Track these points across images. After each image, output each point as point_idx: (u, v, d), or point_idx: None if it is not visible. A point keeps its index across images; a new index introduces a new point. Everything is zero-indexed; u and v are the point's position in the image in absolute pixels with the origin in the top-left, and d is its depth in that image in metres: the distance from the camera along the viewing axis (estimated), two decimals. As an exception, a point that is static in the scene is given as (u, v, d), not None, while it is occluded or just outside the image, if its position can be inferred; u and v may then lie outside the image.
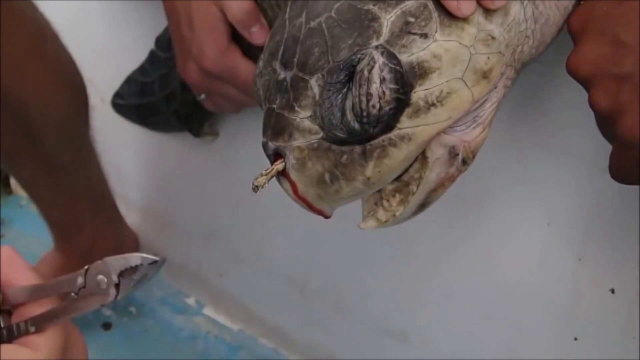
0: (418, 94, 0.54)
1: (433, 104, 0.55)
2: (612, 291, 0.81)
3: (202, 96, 0.95)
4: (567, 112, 0.79)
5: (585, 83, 0.59)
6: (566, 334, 0.86)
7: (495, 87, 0.58)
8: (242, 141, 1.11)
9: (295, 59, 0.56)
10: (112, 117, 1.19)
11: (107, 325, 1.29)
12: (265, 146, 0.57)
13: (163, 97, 1.08)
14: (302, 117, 0.55)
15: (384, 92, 0.53)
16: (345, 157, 0.55)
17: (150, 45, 1.10)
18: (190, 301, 1.33)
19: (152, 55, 1.11)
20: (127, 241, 1.36)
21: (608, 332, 0.83)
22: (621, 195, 0.78)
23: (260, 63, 0.60)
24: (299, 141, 0.55)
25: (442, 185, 0.59)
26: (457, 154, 0.58)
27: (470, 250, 0.93)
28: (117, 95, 1.17)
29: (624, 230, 0.79)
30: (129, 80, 1.15)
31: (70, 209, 1.21)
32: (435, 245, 0.97)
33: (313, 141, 0.55)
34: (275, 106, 0.56)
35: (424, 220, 0.95)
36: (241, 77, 0.85)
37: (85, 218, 1.25)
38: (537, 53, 0.62)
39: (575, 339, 0.85)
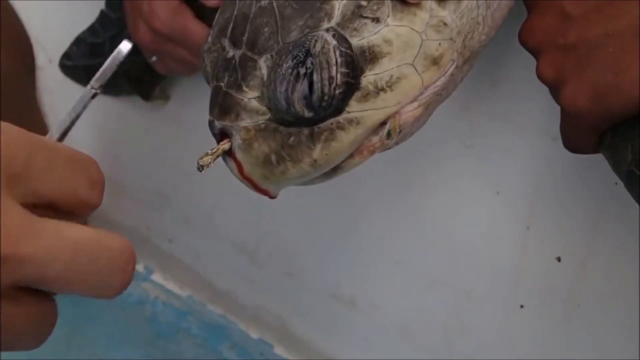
0: (368, 79, 0.54)
1: (382, 89, 0.55)
2: (559, 259, 0.83)
3: (154, 58, 0.94)
4: (519, 82, 0.80)
5: (534, 53, 0.61)
6: (512, 301, 0.88)
7: (445, 73, 0.59)
8: (193, 105, 1.11)
9: (244, 38, 0.55)
10: (60, 79, 1.18)
11: (51, 290, 1.28)
12: (211, 125, 0.57)
13: (113, 58, 1.07)
14: (250, 97, 0.55)
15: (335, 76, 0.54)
16: (292, 139, 0.55)
17: (100, 5, 1.09)
18: (139, 267, 1.32)
19: (102, 16, 1.09)
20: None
21: (553, 300, 0.85)
22: (570, 165, 0.80)
23: (209, 39, 0.60)
24: (246, 121, 0.55)
25: (360, 153, 0.58)
26: (385, 124, 0.57)
27: (419, 216, 0.94)
28: (66, 56, 1.16)
29: (572, 200, 0.81)
30: (78, 41, 1.14)
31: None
32: (385, 212, 0.98)
33: (260, 122, 0.55)
34: (222, 84, 0.56)
35: (374, 186, 0.97)
36: (193, 38, 0.85)
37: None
38: (487, 39, 0.63)
39: (522, 306, 0.87)
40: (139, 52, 0.97)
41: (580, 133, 0.59)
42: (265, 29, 0.55)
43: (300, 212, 1.08)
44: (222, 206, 1.19)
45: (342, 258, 1.05)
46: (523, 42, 0.61)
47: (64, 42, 1.16)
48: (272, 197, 0.60)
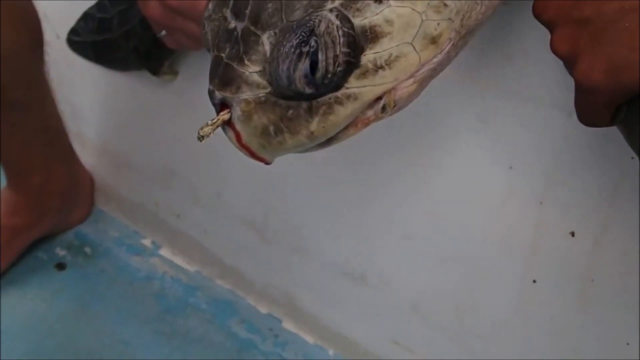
0: (367, 57, 0.55)
1: (381, 67, 0.55)
2: (572, 234, 0.82)
3: (163, 32, 0.93)
4: (534, 56, 0.79)
5: (549, 26, 0.59)
6: (525, 277, 0.86)
7: (442, 51, 0.59)
8: (201, 81, 1.08)
9: (247, 11, 0.55)
10: (67, 54, 1.17)
11: (61, 266, 1.28)
12: (211, 95, 0.57)
13: (122, 33, 1.06)
14: (252, 71, 0.55)
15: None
16: (291, 112, 0.55)
17: (108, -20, 1.08)
18: (147, 242, 1.32)
19: (110, -9, 1.08)
20: (82, 181, 1.35)
21: (567, 275, 0.83)
22: (585, 139, 0.78)
23: (210, 6, 0.59)
24: (247, 94, 0.55)
25: (355, 125, 0.59)
26: (380, 99, 0.58)
27: (431, 191, 0.93)
28: (73, 32, 1.14)
29: (587, 175, 0.79)
30: (86, 16, 1.12)
31: (23, 148, 1.20)
32: (396, 187, 0.96)
33: (260, 95, 0.55)
34: (224, 55, 0.56)
35: (384, 162, 0.96)
36: (202, 12, 0.83)
37: (38, 157, 1.23)
38: (484, 18, 0.62)
39: (534, 281, 0.86)
40: (148, 26, 0.95)
41: (595, 107, 0.58)
42: (269, 5, 0.54)
43: (309, 188, 1.07)
44: (230, 182, 1.18)
45: (352, 234, 1.04)
46: (537, 15, 0.60)
47: (72, 18, 1.14)
48: (267, 164, 0.60)
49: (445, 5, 0.56)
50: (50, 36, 1.15)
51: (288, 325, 1.16)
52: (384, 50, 0.55)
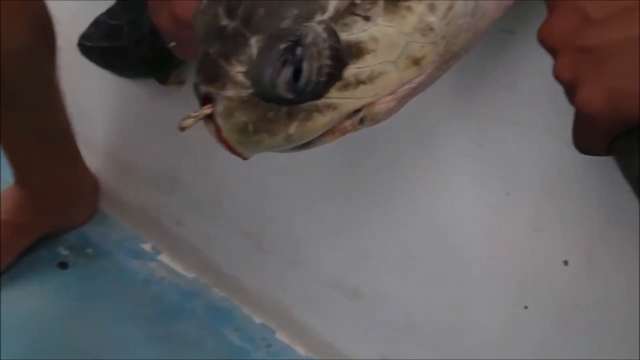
0: (350, 71, 0.55)
1: (362, 82, 0.56)
2: (565, 263, 0.82)
3: (173, 43, 0.93)
4: (535, 85, 0.79)
5: (553, 52, 0.59)
6: (516, 302, 0.86)
7: (424, 72, 0.59)
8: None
9: (239, 12, 0.56)
10: (78, 59, 1.16)
11: (63, 265, 1.28)
12: (196, 88, 0.58)
13: (132, 41, 1.06)
14: (237, 70, 0.55)
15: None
16: (271, 113, 0.56)
17: (120, -13, 1.08)
18: (147, 247, 1.32)
19: (122, -2, 1.08)
20: (87, 183, 1.35)
21: (558, 303, 0.83)
22: (580, 168, 0.78)
23: (204, 1, 0.60)
24: (230, 92, 0.55)
25: (331, 133, 0.59)
26: (359, 111, 0.58)
27: (429, 212, 0.93)
28: (84, 37, 1.14)
29: (581, 204, 0.79)
30: (97, 22, 1.12)
31: (31, 148, 1.20)
32: (395, 207, 0.96)
33: (243, 94, 0.56)
34: (212, 51, 0.56)
35: (384, 181, 0.96)
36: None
37: (45, 158, 1.23)
38: (470, 44, 0.63)
39: (526, 307, 0.86)
40: (158, 36, 0.95)
41: (593, 135, 0.58)
42: (261, 10, 0.55)
43: (308, 202, 1.07)
44: (230, 192, 1.18)
45: (348, 250, 1.04)
46: (541, 41, 0.60)
47: (83, 23, 1.14)
48: (244, 159, 0.60)
49: (431, 29, 0.57)
50: (62, 40, 1.15)
51: (281, 336, 1.15)
52: (366, 67, 0.55)
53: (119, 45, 1.09)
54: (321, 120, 0.57)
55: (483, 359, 0.91)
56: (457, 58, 0.63)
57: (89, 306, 1.21)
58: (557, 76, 0.58)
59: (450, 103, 0.86)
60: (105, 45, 1.10)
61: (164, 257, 1.30)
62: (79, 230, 1.35)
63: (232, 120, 0.56)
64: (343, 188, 1.02)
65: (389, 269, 0.99)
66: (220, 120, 0.56)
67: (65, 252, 1.31)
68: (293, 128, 0.56)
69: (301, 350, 1.13)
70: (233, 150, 0.59)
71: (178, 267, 1.30)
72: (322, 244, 1.07)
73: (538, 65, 0.70)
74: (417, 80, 0.59)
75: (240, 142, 0.57)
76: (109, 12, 1.10)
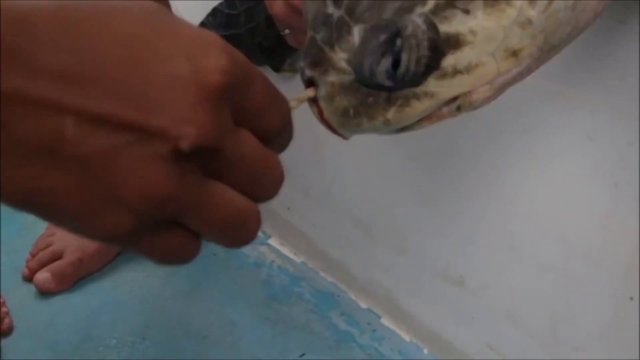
0: (448, 61, 0.56)
1: (460, 72, 0.57)
2: (673, 255, 0.81)
3: (286, 31, 0.96)
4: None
5: None
6: (622, 293, 0.86)
7: (521, 64, 0.60)
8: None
9: (344, 1, 0.58)
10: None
11: (175, 247, 1.31)
12: (302, 72, 0.60)
13: (248, 30, 1.09)
14: (340, 57, 0.57)
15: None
16: (370, 99, 0.58)
17: (238, -23, 1.11)
18: None
19: (239, -13, 1.12)
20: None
21: (664, 295, 0.83)
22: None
23: None
24: (332, 77, 0.57)
25: (429, 118, 0.61)
26: (456, 98, 0.59)
27: (535, 202, 0.93)
28: (202, 25, 1.18)
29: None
30: (215, 12, 1.16)
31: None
32: (501, 198, 0.97)
33: (345, 80, 0.57)
34: (318, 37, 0.58)
35: (492, 175, 0.96)
36: None
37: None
38: (569, 37, 0.63)
39: (631, 298, 0.85)
40: (273, 24, 0.98)
41: None
42: (365, 1, 0.57)
43: (418, 193, 1.09)
44: (340, 180, 1.20)
45: (454, 238, 1.05)
46: None
47: (201, 13, 1.19)
48: (345, 139, 0.62)
49: (530, 22, 0.57)
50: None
51: (386, 321, 1.17)
52: (464, 58, 0.56)
53: (235, 33, 1.12)
54: (418, 107, 0.58)
55: (588, 349, 0.91)
56: (556, 50, 0.63)
57: (200, 288, 1.26)
58: None
59: (560, 93, 0.86)
60: (222, 33, 1.14)
61: (273, 242, 1.34)
62: (194, 213, 1.39)
63: (334, 104, 0.58)
64: (450, 179, 1.03)
65: (494, 259, 1.00)
66: (322, 103, 0.58)
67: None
68: (391, 113, 0.58)
69: (406, 336, 1.15)
70: (334, 131, 0.61)
71: (287, 252, 1.33)
72: (429, 233, 1.09)
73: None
74: (515, 71, 0.60)
75: (341, 124, 0.59)
76: (226, 1, 1.13)
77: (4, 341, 1.11)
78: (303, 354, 1.12)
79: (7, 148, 0.35)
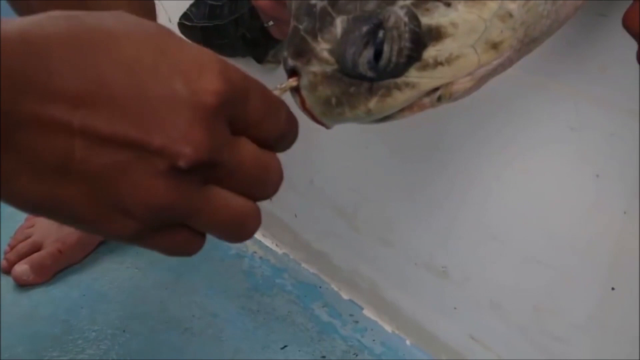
0: (429, 53, 0.58)
1: (441, 63, 0.58)
2: (655, 245, 0.82)
3: (270, 23, 0.96)
4: (629, 67, 0.78)
5: (637, 38, 0.60)
6: (605, 283, 0.87)
7: (501, 56, 0.61)
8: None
9: None
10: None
11: (160, 240, 1.31)
12: (285, 61, 0.60)
13: (231, 21, 1.09)
14: (322, 47, 0.58)
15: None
16: (352, 88, 0.58)
17: (221, -32, 1.11)
18: None
19: (223, -21, 1.11)
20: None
21: (647, 285, 0.83)
22: (674, 153, 0.78)
23: None
24: (315, 67, 0.58)
25: (410, 108, 0.62)
26: (437, 89, 0.61)
27: (518, 194, 0.94)
28: (185, 16, 1.18)
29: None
30: (198, 3, 1.15)
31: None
32: (485, 189, 0.98)
33: (327, 70, 0.58)
34: (301, 27, 0.59)
35: (475, 162, 0.97)
36: None
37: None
38: (550, 30, 0.64)
39: (613, 288, 0.86)
40: (256, 16, 0.98)
41: None
42: None
43: (402, 183, 1.09)
44: (324, 170, 1.20)
45: (438, 230, 1.05)
46: (627, 27, 0.62)
47: (184, 3, 1.18)
48: (327, 128, 0.63)
49: (511, 15, 0.59)
50: (164, 19, 1.18)
51: (369, 312, 1.18)
52: (445, 49, 0.58)
53: (219, 25, 1.12)
54: (399, 97, 0.59)
55: (571, 339, 0.91)
56: (537, 42, 0.64)
57: (182, 279, 1.26)
58: None
59: (542, 85, 0.87)
60: (206, 24, 1.14)
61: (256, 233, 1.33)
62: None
63: (316, 93, 0.59)
64: (433, 170, 1.03)
65: (478, 250, 1.00)
66: (305, 93, 0.59)
67: (161, 227, 1.34)
68: (373, 103, 0.59)
69: (388, 327, 1.15)
70: (316, 120, 0.62)
71: (269, 243, 1.34)
72: (413, 224, 1.09)
73: (630, 48, 0.71)
74: (496, 62, 0.61)
75: (323, 113, 0.60)
76: (210, -9, 1.13)
77: (-18, 334, 1.10)
78: (285, 346, 1.12)
79: (25, 165, 0.40)
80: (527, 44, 0.63)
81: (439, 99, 0.61)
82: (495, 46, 0.59)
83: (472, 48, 0.58)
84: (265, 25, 0.97)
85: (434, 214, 1.05)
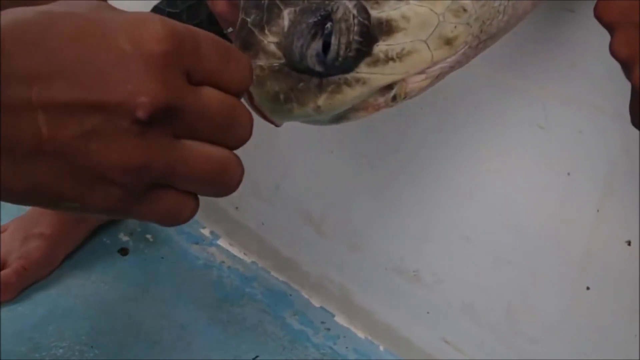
0: (380, 47, 0.56)
1: (392, 59, 0.56)
2: (629, 243, 0.80)
3: (230, 29, 0.93)
4: (597, 64, 0.78)
5: (610, 29, 0.59)
6: (579, 283, 0.85)
7: (456, 53, 0.59)
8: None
9: None
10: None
11: (124, 251, 1.29)
12: None
13: (190, 28, 1.06)
14: (270, 41, 0.56)
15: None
16: (301, 84, 0.57)
17: (178, -25, 1.08)
18: (206, 232, 1.34)
19: (180, -14, 1.08)
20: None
21: (621, 283, 0.82)
22: (644, 149, 0.77)
23: None
24: (262, 61, 0.57)
25: (365, 108, 0.60)
26: (392, 88, 0.59)
27: (488, 194, 0.92)
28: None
29: (645, 184, 0.78)
30: (156, 10, 1.13)
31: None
32: (453, 189, 0.96)
33: (275, 64, 0.57)
34: (249, 20, 0.58)
35: (442, 163, 0.95)
36: None
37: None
38: (508, 26, 0.63)
39: (588, 288, 0.85)
40: (216, 23, 0.96)
41: None
42: None
43: (367, 185, 1.07)
44: (289, 176, 1.18)
45: (408, 232, 1.03)
46: (598, 17, 0.60)
47: (144, 8, 1.15)
48: (277, 126, 0.62)
49: (464, 10, 0.57)
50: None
51: (340, 319, 1.16)
52: (397, 44, 0.56)
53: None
54: (350, 94, 0.57)
55: (545, 339, 0.90)
56: (494, 38, 0.63)
57: (149, 291, 1.23)
58: (614, 53, 0.58)
59: (510, 84, 0.85)
60: (164, 32, 1.11)
61: (222, 242, 1.31)
62: (139, 216, 1.36)
63: (264, 88, 0.57)
64: (402, 171, 1.01)
65: (448, 252, 0.98)
66: (252, 89, 0.58)
67: (125, 238, 1.32)
68: (322, 100, 0.57)
69: (361, 334, 1.13)
70: (265, 117, 0.60)
71: (237, 252, 1.31)
72: (381, 228, 1.07)
73: (598, 44, 0.70)
74: (450, 60, 0.59)
75: (272, 110, 0.58)
76: (168, 0, 1.11)
77: (-53, 354, 1.07)
78: (257, 356, 1.10)
79: (4, 155, 0.41)
80: (483, 41, 0.61)
81: (394, 98, 0.59)
82: (449, 42, 0.57)
83: (424, 43, 0.56)
84: (225, 32, 0.95)
85: (402, 217, 1.03)
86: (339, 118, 0.61)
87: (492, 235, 0.93)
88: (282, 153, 1.15)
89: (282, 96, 0.57)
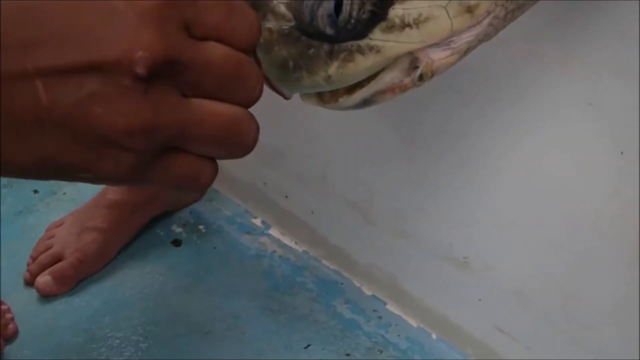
0: (396, 11, 0.52)
1: (409, 25, 0.52)
2: (686, 224, 0.75)
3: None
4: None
5: None
6: (633, 267, 0.80)
7: (479, 23, 0.54)
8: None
9: None
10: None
11: (177, 242, 1.29)
12: None
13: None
14: (279, 1, 0.53)
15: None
16: (312, 50, 0.53)
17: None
18: (257, 221, 1.32)
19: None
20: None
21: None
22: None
23: None
24: (271, 23, 0.53)
25: (392, 90, 0.56)
26: (417, 67, 0.54)
27: (537, 177, 0.88)
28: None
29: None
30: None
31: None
32: (501, 173, 0.92)
33: (284, 27, 0.53)
34: None
35: (488, 147, 0.91)
36: None
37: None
38: None
39: (644, 270, 0.80)
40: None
41: None
42: None
43: (415, 172, 1.04)
44: (335, 164, 1.16)
45: (456, 219, 1.00)
46: None
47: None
48: (286, 99, 0.57)
49: None
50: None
51: (392, 307, 1.13)
52: (413, 8, 0.51)
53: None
54: (363, 63, 0.53)
55: (599, 326, 0.86)
56: (523, 9, 0.58)
57: (202, 282, 1.22)
58: None
59: (553, 58, 0.80)
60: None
61: (274, 232, 1.30)
62: (192, 207, 1.36)
63: (272, 54, 0.54)
64: (447, 158, 0.98)
65: (497, 237, 0.95)
66: (260, 54, 0.54)
67: (178, 230, 1.31)
68: (333, 68, 0.53)
69: (413, 321, 1.11)
70: (273, 87, 0.56)
71: (288, 241, 1.29)
72: (429, 214, 1.04)
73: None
74: (475, 32, 0.54)
75: (280, 78, 0.55)
76: None
77: (8, 346, 1.09)
78: (308, 345, 1.09)
79: (6, 129, 0.39)
80: (511, 10, 0.56)
81: (420, 77, 0.55)
82: (470, 10, 0.52)
83: (444, 9, 0.52)
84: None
85: (449, 201, 1.00)
86: (365, 102, 0.57)
87: (541, 219, 0.89)
88: (328, 141, 1.12)
89: (291, 63, 0.54)
